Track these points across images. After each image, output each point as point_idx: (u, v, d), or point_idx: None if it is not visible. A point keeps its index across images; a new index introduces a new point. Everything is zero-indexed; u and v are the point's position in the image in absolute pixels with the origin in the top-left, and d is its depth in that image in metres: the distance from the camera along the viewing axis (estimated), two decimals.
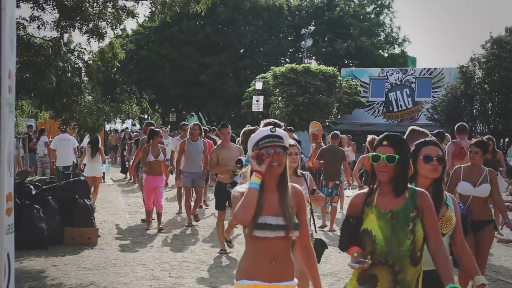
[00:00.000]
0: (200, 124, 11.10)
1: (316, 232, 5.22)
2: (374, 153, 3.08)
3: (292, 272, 3.15)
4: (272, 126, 3.14)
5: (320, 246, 5.01)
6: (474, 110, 28.24)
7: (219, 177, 8.59)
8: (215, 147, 9.22)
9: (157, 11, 9.44)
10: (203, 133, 11.27)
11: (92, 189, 13.53)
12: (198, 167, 10.34)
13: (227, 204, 8.50)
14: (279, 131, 3.10)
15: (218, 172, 8.80)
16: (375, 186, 3.12)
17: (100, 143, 12.73)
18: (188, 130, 10.87)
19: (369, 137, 10.01)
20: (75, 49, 9.60)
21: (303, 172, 5.25)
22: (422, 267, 3.07)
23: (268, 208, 3.05)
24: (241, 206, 2.99)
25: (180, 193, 11.80)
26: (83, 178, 10.36)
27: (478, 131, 27.91)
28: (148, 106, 45.34)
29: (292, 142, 4.73)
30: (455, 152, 8.62)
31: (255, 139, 3.10)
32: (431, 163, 3.48)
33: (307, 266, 3.24)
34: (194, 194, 11.08)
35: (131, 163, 11.97)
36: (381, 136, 3.15)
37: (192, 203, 10.69)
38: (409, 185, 3.12)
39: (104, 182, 17.48)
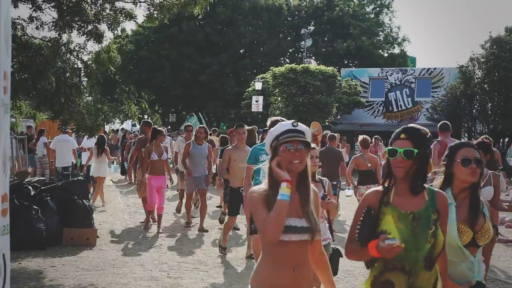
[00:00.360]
0: (205, 127, 10.81)
1: (333, 240, 5.05)
2: (390, 147, 2.86)
3: (311, 280, 2.90)
4: (294, 120, 2.90)
5: (337, 256, 4.86)
6: (474, 110, 28.23)
7: (231, 182, 8.43)
8: (229, 147, 8.96)
9: (155, 13, 9.43)
10: (208, 136, 11.04)
11: (92, 189, 13.62)
12: (202, 171, 10.11)
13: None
14: (301, 126, 2.86)
15: (227, 178, 8.71)
16: (390, 184, 2.90)
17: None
18: (194, 133, 10.62)
19: (361, 137, 10.00)
20: (74, 50, 9.58)
21: (322, 178, 5.06)
22: (437, 271, 2.88)
23: (289, 210, 2.77)
24: (272, 222, 2.69)
25: (182, 194, 11.60)
26: (81, 178, 10.35)
27: (478, 131, 27.91)
28: (147, 106, 45.34)
29: (312, 144, 4.57)
30: (441, 151, 8.62)
31: (275, 133, 2.86)
32: (469, 166, 3.24)
33: (321, 272, 3.02)
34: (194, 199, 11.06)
35: (129, 164, 11.84)
36: (398, 129, 2.93)
37: (194, 207, 10.58)
38: (425, 185, 2.92)
39: None
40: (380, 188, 2.93)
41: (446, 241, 3.04)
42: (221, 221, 10.42)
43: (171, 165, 16.33)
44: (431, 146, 8.83)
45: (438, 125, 9.01)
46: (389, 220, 2.79)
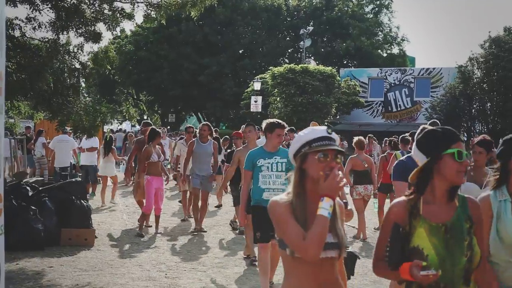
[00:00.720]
0: (209, 124, 10.36)
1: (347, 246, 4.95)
2: (458, 149, 2.54)
3: None
4: (327, 127, 2.65)
5: (353, 259, 4.76)
6: (473, 110, 28.29)
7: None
8: (240, 148, 8.52)
9: (152, 14, 9.43)
10: (213, 134, 10.40)
11: (90, 190, 13.64)
12: (207, 170, 9.78)
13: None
14: (334, 134, 2.64)
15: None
16: (421, 193, 2.62)
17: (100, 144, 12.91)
18: (198, 131, 10.18)
19: (356, 139, 10.03)
20: (72, 51, 9.57)
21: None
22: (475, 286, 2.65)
23: None
24: (316, 239, 2.43)
25: (186, 198, 11.27)
26: (80, 179, 10.35)
27: (477, 130, 27.94)
28: (145, 108, 45.34)
29: None
30: None
31: (307, 138, 2.60)
32: None
33: None
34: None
35: (127, 165, 11.61)
36: (449, 129, 2.65)
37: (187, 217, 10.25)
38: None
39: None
40: (404, 198, 2.66)
41: (504, 239, 2.90)
42: (234, 228, 10.05)
43: (168, 166, 16.33)
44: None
45: (428, 124, 9.07)
46: (421, 233, 2.55)
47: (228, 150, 15.81)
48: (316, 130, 2.62)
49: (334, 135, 2.62)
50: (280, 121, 6.32)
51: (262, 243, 6.08)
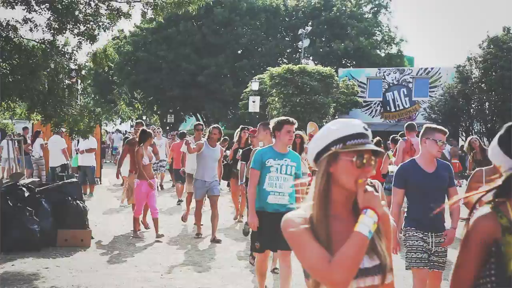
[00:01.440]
0: (220, 127, 9.87)
1: None
2: None
3: None
4: (364, 124, 2.10)
5: None
6: (471, 110, 28.26)
7: None
8: (257, 147, 8.02)
9: (149, 13, 9.41)
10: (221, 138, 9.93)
11: (88, 191, 13.62)
12: (213, 176, 9.32)
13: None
14: (369, 130, 2.10)
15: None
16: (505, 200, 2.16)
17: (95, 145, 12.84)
18: (207, 133, 9.76)
19: None
20: (67, 52, 9.54)
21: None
22: None
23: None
24: (345, 263, 1.87)
25: (190, 199, 10.97)
26: (76, 180, 10.33)
27: (475, 130, 27.92)
28: (140, 107, 45.21)
29: None
30: (406, 149, 8.95)
31: (340, 134, 2.03)
32: None
33: None
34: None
35: (118, 167, 11.27)
36: None
37: (203, 215, 9.85)
38: None
39: (101, 183, 17.48)
40: (488, 209, 2.13)
41: None
42: (245, 233, 9.34)
43: (167, 167, 16.27)
44: (398, 143, 9.24)
45: (405, 125, 9.45)
46: None
47: (228, 151, 15.69)
48: (351, 124, 2.05)
49: (369, 131, 2.08)
50: (289, 117, 5.92)
51: (261, 253, 5.88)
